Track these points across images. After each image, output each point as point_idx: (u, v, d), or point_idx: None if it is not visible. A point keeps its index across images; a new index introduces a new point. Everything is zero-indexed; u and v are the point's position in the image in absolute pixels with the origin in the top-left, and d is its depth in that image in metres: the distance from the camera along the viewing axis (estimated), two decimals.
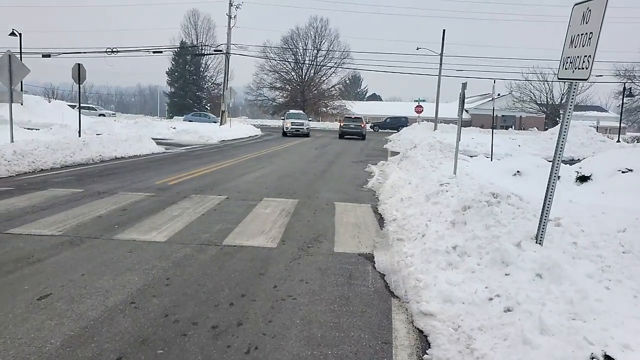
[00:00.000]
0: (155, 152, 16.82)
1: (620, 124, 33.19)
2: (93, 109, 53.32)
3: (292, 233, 5.98)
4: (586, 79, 3.47)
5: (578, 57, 3.61)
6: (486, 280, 3.57)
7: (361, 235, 5.97)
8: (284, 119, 33.94)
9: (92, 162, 13.14)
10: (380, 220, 6.87)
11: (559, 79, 3.97)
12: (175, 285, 4.09)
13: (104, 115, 48.57)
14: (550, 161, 14.24)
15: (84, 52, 40.06)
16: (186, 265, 4.65)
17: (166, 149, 18.22)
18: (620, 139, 27.33)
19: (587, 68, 3.46)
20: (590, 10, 3.49)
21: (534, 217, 4.53)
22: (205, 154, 16.91)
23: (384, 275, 4.46)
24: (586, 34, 3.51)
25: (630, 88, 36.62)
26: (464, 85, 9.05)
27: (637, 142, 28.14)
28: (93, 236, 5.54)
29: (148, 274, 4.34)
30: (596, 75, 43.17)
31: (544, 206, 3.86)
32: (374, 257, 5.01)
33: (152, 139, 19.19)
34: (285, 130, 31.40)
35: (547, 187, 3.86)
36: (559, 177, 3.93)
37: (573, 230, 4.47)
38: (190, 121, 44.17)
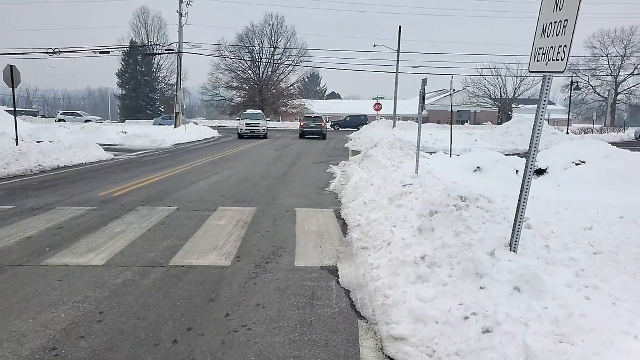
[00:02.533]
0: (103, 159, 15.82)
1: (569, 116, 34.57)
2: (78, 114, 50.04)
3: (248, 247, 5.49)
4: (562, 72, 3.21)
5: (552, 47, 3.33)
6: (460, 295, 3.25)
7: (324, 245, 5.57)
8: (239, 120, 32.08)
9: (30, 173, 12.10)
10: (344, 227, 6.50)
11: (530, 72, 3.71)
12: (110, 321, 3.53)
13: (90, 121, 45.86)
14: (507, 155, 14.39)
15: (23, 54, 37.40)
16: (125, 294, 4.07)
17: (115, 155, 17.19)
18: (569, 131, 28.39)
19: (562, 60, 3.18)
20: None
21: (504, 220, 4.29)
22: (157, 160, 16.03)
23: (349, 291, 4.06)
24: (560, 22, 3.24)
25: (577, 82, 38.24)
26: (425, 81, 8.84)
27: (585, 134, 29.37)
28: (17, 263, 4.83)
29: (78, 309, 3.75)
30: None
31: (517, 213, 3.58)
32: (338, 271, 4.61)
33: (101, 145, 18.11)
34: (240, 132, 29.24)
35: (520, 196, 3.59)
36: (529, 181, 3.67)
37: (543, 231, 4.26)
38: (160, 125, 42.32)
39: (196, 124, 41.55)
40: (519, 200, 3.60)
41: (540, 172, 11.17)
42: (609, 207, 6.23)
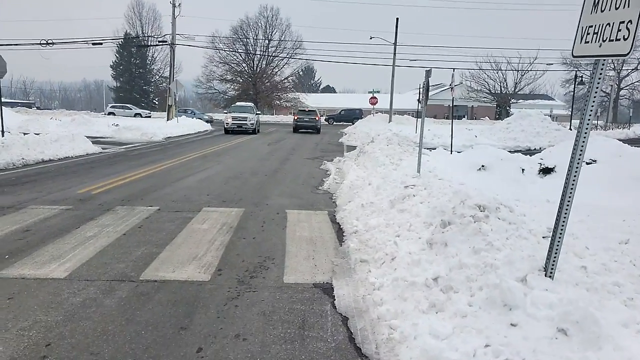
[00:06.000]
0: (90, 152, 15.15)
1: (572, 112, 33.94)
2: (128, 107, 48.65)
3: (232, 257, 4.85)
4: (626, 55, 2.58)
5: (608, 25, 2.69)
6: (485, 331, 2.63)
7: (317, 255, 4.94)
8: (226, 113, 29.20)
9: (12, 167, 11.45)
10: (339, 232, 5.86)
11: (573, 56, 3.07)
12: (56, 357, 2.89)
13: (140, 115, 44.69)
14: (512, 152, 13.81)
15: (15, 44, 36.36)
16: (82, 317, 3.43)
17: (103, 148, 16.50)
18: (572, 127, 27.78)
19: (626, 39, 2.54)
20: None
21: (530, 233, 3.68)
22: (146, 154, 15.34)
23: (347, 319, 3.42)
24: None
25: (581, 76, 37.45)
26: (428, 72, 8.20)
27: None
28: None
29: (22, 338, 3.11)
30: (547, 64, 44.23)
31: (555, 231, 2.96)
32: (333, 290, 3.96)
33: (90, 137, 17.47)
34: (225, 126, 26.47)
35: (560, 211, 2.96)
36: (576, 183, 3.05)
37: (575, 247, 3.65)
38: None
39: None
40: (557, 216, 2.98)
41: (547, 170, 10.62)
42: (635, 213, 5.64)
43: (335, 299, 3.76)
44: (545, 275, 2.98)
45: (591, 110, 2.95)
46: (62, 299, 3.75)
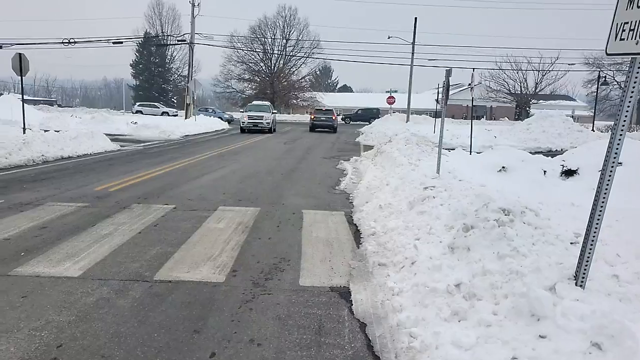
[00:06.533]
0: (108, 150, 15.36)
1: (594, 113, 33.15)
2: (155, 106, 49.16)
3: (247, 258, 4.77)
4: None
5: None
6: (512, 343, 2.49)
7: (334, 258, 4.82)
8: (242, 112, 29.09)
9: (32, 163, 11.63)
10: (357, 234, 5.74)
11: (607, 54, 2.90)
12: None
13: (167, 113, 45.35)
14: (532, 153, 13.44)
15: (40, 43, 37.19)
16: (94, 318, 3.38)
17: (121, 146, 16.70)
18: (595, 128, 27.09)
19: None
20: None
21: (557, 239, 3.51)
22: (163, 152, 15.45)
23: (365, 325, 3.30)
24: None
25: (604, 76, 36.53)
26: (449, 72, 8.01)
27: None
28: None
29: (33, 339, 3.07)
30: (568, 64, 43.31)
31: (587, 237, 2.79)
32: (350, 294, 3.84)
33: (109, 134, 17.76)
34: (241, 125, 26.47)
35: (592, 216, 2.79)
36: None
37: (605, 254, 3.46)
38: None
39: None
40: (589, 221, 2.81)
41: (569, 173, 10.34)
42: None
43: (352, 304, 3.64)
44: (576, 285, 2.81)
45: (627, 111, 2.78)
46: (75, 299, 3.71)
